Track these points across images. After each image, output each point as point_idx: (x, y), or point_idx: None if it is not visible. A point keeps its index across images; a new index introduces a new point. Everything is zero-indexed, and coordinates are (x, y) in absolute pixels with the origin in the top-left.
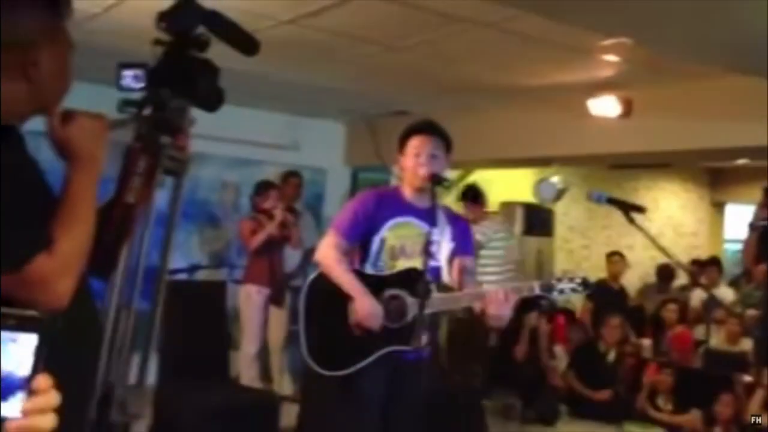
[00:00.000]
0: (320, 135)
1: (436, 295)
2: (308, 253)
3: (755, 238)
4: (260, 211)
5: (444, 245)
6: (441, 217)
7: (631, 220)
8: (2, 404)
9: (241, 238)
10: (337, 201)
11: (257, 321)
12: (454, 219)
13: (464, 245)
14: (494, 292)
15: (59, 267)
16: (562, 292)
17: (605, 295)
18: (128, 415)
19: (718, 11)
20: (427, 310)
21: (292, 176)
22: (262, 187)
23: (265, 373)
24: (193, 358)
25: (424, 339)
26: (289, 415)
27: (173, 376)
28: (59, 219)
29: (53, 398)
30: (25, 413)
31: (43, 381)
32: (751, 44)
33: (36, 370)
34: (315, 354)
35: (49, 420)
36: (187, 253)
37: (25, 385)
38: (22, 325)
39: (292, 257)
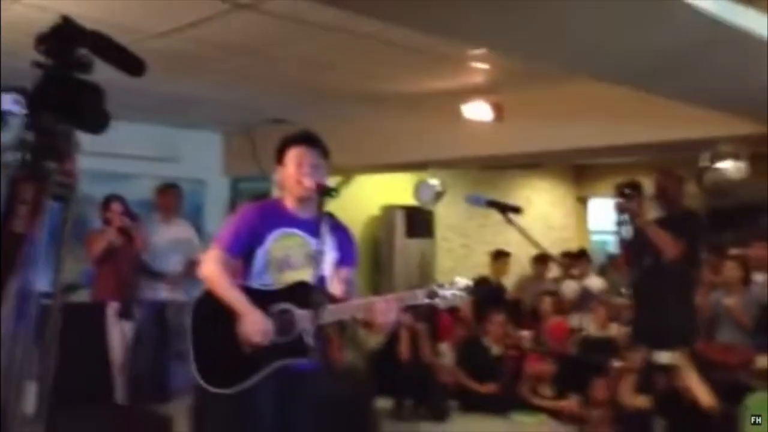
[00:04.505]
0: (198, 146)
1: (329, 306)
2: (190, 265)
3: (626, 246)
4: (105, 222)
5: (328, 255)
6: (324, 227)
7: (509, 221)
8: None
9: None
10: (218, 212)
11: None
12: (337, 228)
13: (346, 255)
14: (379, 303)
15: None
16: (445, 298)
17: (486, 291)
18: None
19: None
20: (319, 322)
21: (169, 188)
22: (106, 200)
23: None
24: (76, 383)
25: (316, 350)
26: None
27: (60, 403)
28: None
29: None
30: None
31: None
32: (599, 51)
33: None
34: (205, 372)
35: None
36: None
37: None
38: None
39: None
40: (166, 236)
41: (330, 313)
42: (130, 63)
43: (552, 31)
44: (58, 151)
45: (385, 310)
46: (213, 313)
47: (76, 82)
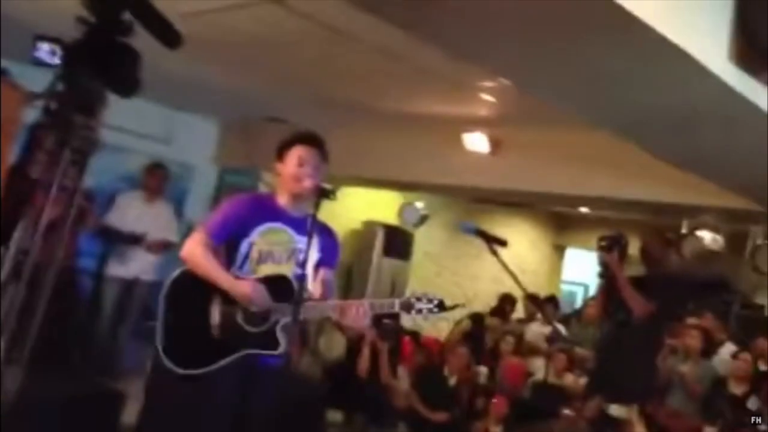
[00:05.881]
0: (192, 131)
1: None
2: (165, 245)
3: (600, 298)
4: None
5: (312, 255)
6: (313, 228)
7: (494, 253)
8: None
9: None
10: (201, 200)
11: None
12: (323, 231)
13: (329, 257)
14: (353, 306)
15: None
16: (420, 311)
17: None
18: (5, 393)
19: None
20: (297, 318)
21: (157, 168)
22: None
23: None
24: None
25: (284, 345)
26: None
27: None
28: None
29: None
30: None
31: None
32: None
33: None
34: (171, 351)
35: None
36: None
37: None
38: None
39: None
40: (146, 215)
41: (305, 310)
42: (169, 35)
43: (578, 77)
44: (87, 106)
45: (358, 315)
46: (188, 293)
47: (117, 43)
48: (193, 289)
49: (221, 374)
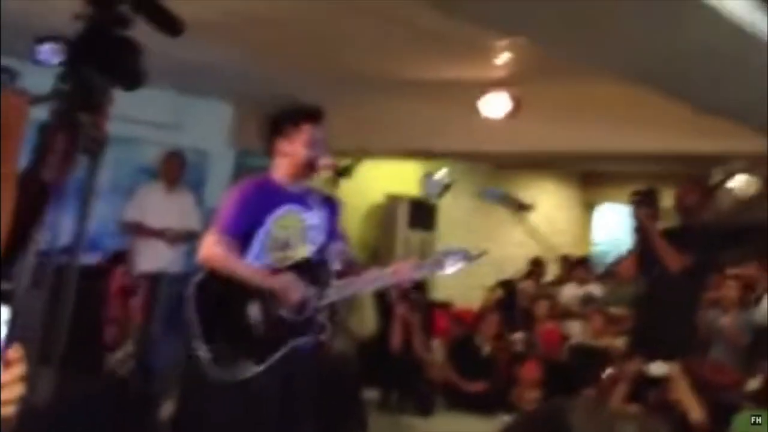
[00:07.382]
0: (204, 116)
1: (336, 282)
2: (190, 235)
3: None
4: None
5: (322, 228)
6: (315, 200)
7: (520, 219)
8: None
9: None
10: (220, 185)
11: None
12: (325, 201)
13: (334, 230)
14: (401, 267)
15: None
16: (449, 265)
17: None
18: (38, 397)
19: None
20: (335, 298)
21: (173, 156)
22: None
23: None
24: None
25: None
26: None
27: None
28: None
29: (23, 368)
30: (5, 384)
31: (15, 352)
32: (642, 53)
33: (9, 342)
34: (217, 356)
35: (20, 389)
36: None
37: None
38: None
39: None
40: (168, 206)
41: (346, 288)
42: (169, 23)
43: (588, 25)
44: (93, 104)
45: (406, 270)
46: (218, 295)
47: (117, 36)
48: (221, 290)
49: (270, 369)
